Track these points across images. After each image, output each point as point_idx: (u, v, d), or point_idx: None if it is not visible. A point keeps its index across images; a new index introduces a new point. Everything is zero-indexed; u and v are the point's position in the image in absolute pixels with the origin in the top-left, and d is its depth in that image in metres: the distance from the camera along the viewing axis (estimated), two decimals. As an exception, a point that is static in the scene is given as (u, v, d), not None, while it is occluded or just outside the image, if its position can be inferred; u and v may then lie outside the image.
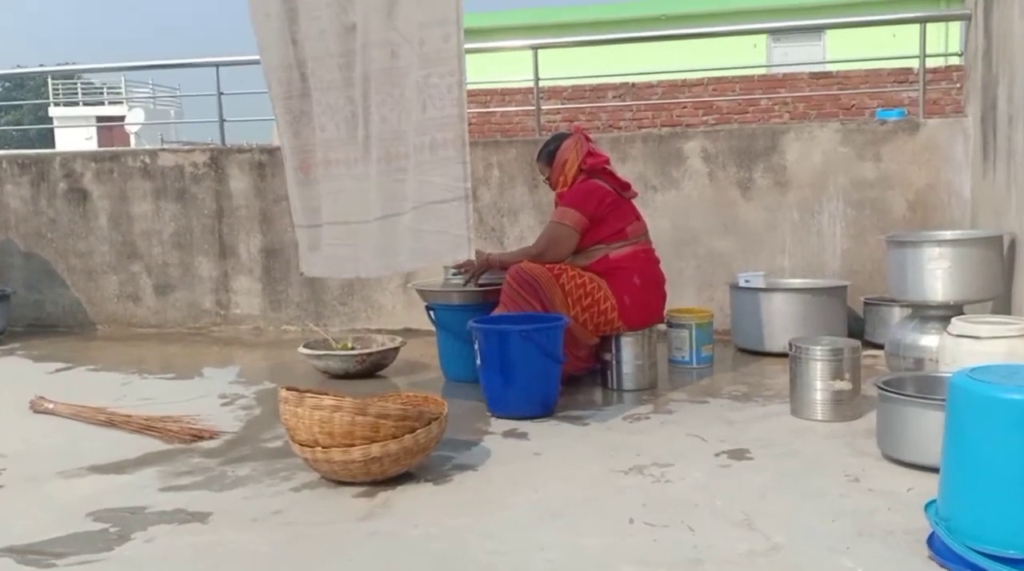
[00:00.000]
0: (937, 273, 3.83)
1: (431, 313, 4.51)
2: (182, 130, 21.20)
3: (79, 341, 6.22)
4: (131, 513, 2.76)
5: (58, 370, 5.21)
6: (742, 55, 14.30)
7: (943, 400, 2.49)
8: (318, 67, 3.84)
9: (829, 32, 16.64)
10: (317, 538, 2.50)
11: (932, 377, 3.17)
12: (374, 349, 4.78)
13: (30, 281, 6.81)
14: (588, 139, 4.38)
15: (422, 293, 4.57)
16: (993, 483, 2.09)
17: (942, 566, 2.17)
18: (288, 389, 2.96)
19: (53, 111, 28.97)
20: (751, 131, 5.64)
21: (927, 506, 2.35)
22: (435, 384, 4.50)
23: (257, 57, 4.13)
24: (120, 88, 25.86)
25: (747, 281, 4.98)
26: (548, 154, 4.36)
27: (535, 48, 6.17)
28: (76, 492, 2.98)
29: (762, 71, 14.75)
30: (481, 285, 4.32)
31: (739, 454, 3.14)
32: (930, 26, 5.81)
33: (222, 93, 6.90)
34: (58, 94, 30.00)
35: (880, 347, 4.52)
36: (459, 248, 3.32)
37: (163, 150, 6.83)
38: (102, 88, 31.62)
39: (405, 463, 2.90)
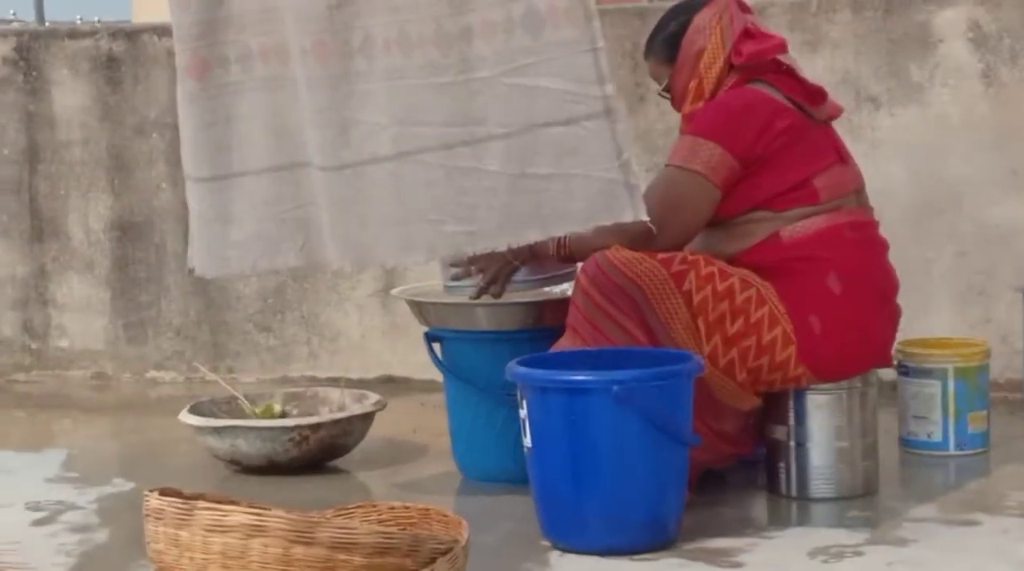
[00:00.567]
0: None
1: (435, 346, 3.29)
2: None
3: None
4: None
5: None
6: None
7: None
8: None
9: None
10: None
11: None
12: (324, 417, 3.48)
13: None
14: (745, 8, 3.22)
15: (418, 308, 3.27)
16: None
17: None
18: (162, 494, 2.33)
19: None
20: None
21: None
22: (444, 485, 3.44)
23: None
24: None
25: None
26: (667, 40, 3.23)
27: None
28: None
29: None
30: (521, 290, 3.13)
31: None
32: None
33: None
34: None
35: None
36: (612, 204, 2.72)
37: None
38: None
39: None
